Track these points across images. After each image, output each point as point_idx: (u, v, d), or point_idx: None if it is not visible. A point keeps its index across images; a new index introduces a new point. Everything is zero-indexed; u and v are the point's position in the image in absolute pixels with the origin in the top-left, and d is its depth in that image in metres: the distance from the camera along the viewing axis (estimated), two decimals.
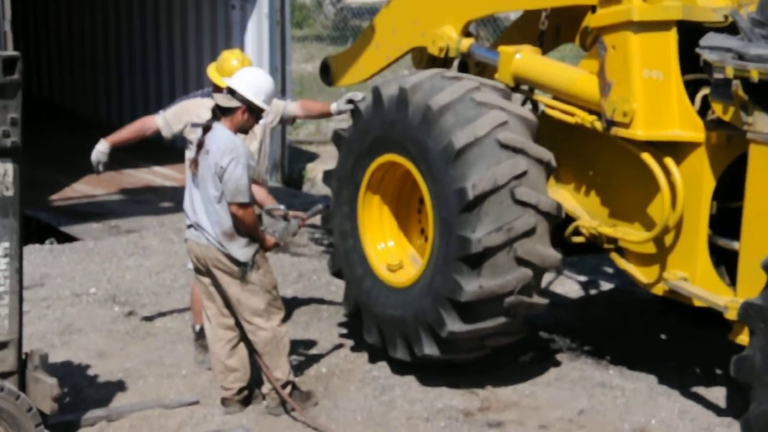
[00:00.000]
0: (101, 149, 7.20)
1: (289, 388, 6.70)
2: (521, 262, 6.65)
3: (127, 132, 7.33)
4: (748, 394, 5.75)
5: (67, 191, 12.35)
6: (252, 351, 6.72)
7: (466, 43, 7.77)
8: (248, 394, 6.82)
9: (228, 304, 6.64)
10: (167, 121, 7.22)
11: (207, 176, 6.42)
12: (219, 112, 6.50)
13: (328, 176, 7.67)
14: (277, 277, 8.96)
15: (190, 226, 6.61)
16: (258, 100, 6.48)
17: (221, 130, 6.45)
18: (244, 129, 6.55)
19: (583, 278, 9.18)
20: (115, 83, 16.15)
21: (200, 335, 7.38)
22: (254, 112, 6.52)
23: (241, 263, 6.47)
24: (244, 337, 6.71)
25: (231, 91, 6.49)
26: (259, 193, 6.85)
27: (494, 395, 7.00)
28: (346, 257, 7.46)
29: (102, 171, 7.24)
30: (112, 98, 16.29)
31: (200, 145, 6.48)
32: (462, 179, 6.59)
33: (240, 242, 6.46)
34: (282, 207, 6.81)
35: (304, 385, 6.98)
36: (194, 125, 7.11)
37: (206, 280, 6.66)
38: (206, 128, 6.50)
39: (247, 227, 6.44)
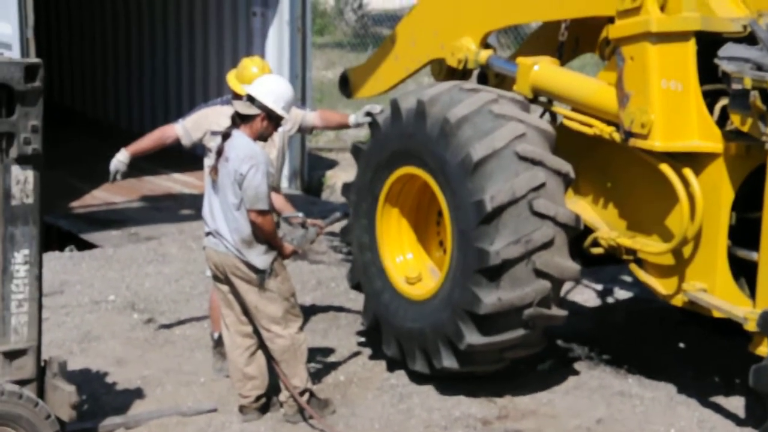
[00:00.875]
0: (121, 159, 7.22)
1: (306, 396, 6.72)
2: (540, 274, 6.64)
3: (147, 141, 7.34)
4: (766, 404, 5.73)
5: (87, 198, 12.37)
6: (270, 359, 6.73)
7: (485, 54, 7.78)
8: (266, 402, 6.83)
9: (246, 311, 6.64)
10: (187, 129, 7.23)
11: (226, 183, 6.44)
12: (239, 120, 6.52)
13: (346, 189, 7.68)
14: (296, 285, 8.96)
15: (208, 234, 6.63)
16: (277, 108, 6.49)
17: (241, 138, 6.46)
18: (263, 137, 6.56)
19: (601, 287, 9.16)
20: (136, 89, 16.20)
21: (219, 343, 7.40)
22: (273, 120, 6.53)
23: (260, 270, 6.48)
24: (262, 345, 6.72)
25: (250, 99, 6.51)
26: (278, 200, 6.88)
27: (512, 403, 7.00)
28: (365, 270, 7.47)
29: (119, 180, 7.25)
30: (133, 104, 16.34)
31: (220, 153, 6.49)
32: (480, 191, 6.59)
33: (258, 249, 6.47)
34: (300, 215, 6.84)
35: (322, 392, 7.00)
36: (214, 133, 7.11)
37: (224, 288, 6.68)
38: (226, 135, 6.51)
39: (265, 234, 6.45)
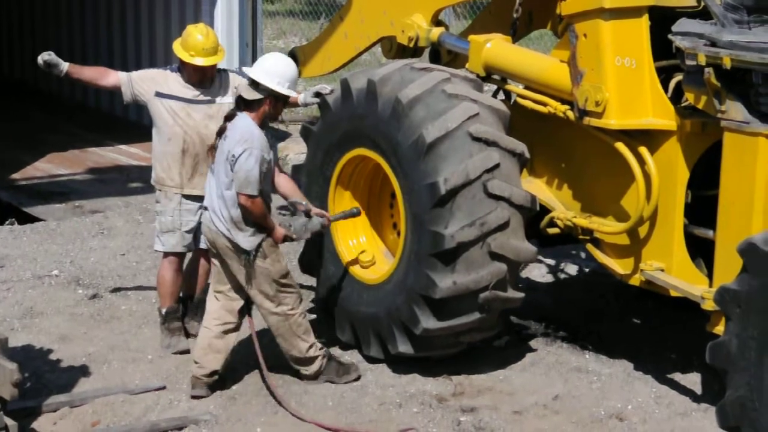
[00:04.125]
0: (59, 60, 7.18)
1: (322, 362, 6.80)
2: (495, 256, 6.58)
3: (88, 70, 7.41)
4: (724, 380, 5.74)
5: (30, 170, 12.13)
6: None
7: (437, 32, 7.69)
8: (217, 381, 6.80)
9: (238, 288, 6.68)
10: (131, 80, 7.24)
11: (220, 162, 6.50)
12: (242, 105, 6.53)
13: (296, 171, 7.58)
14: None
15: (205, 209, 6.70)
16: (282, 89, 6.49)
17: (243, 119, 6.49)
18: (273, 117, 6.60)
19: (558, 262, 9.13)
20: (79, 58, 15.84)
21: (166, 319, 7.40)
22: (281, 100, 6.55)
23: (246, 251, 6.52)
24: (236, 329, 6.77)
25: (254, 83, 6.49)
26: (287, 185, 6.81)
27: (468, 380, 6.96)
28: (318, 254, 7.39)
29: (42, 62, 7.18)
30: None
31: (221, 132, 6.54)
32: (433, 173, 6.51)
33: (247, 231, 6.52)
34: (305, 203, 6.78)
35: (285, 367, 6.97)
36: (159, 95, 7.16)
37: (217, 263, 6.73)
38: (229, 117, 6.56)
39: (255, 218, 6.49)
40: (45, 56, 7.16)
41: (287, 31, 19.28)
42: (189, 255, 7.56)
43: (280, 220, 6.75)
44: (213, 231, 6.60)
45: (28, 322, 7.83)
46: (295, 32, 19.03)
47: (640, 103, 6.53)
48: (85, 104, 15.41)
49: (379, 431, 6.37)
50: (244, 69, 6.75)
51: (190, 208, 7.28)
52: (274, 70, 6.49)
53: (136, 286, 8.51)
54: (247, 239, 6.52)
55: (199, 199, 7.23)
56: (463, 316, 6.67)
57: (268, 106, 6.51)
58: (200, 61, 7.09)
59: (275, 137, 6.78)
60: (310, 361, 6.79)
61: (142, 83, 7.23)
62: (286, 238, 6.66)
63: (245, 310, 6.79)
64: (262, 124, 6.54)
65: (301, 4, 21.13)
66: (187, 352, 7.31)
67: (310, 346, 6.78)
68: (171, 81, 7.20)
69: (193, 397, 6.73)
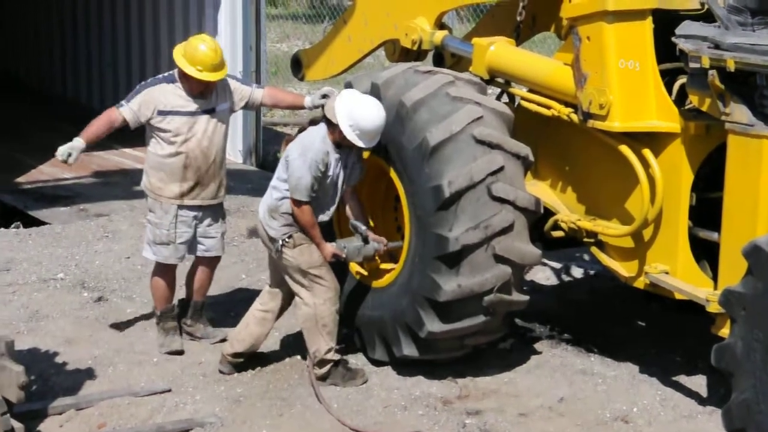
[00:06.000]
0: (78, 146, 7.09)
1: (328, 366, 6.84)
2: (500, 259, 6.57)
3: (97, 128, 7.20)
4: (729, 383, 5.73)
5: (34, 173, 12.18)
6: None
7: (440, 35, 7.67)
8: (242, 363, 7.04)
9: (280, 280, 6.90)
10: (133, 111, 7.13)
11: (284, 156, 6.73)
12: (324, 121, 6.65)
13: None
14: (252, 263, 8.95)
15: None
16: (358, 143, 6.59)
17: (318, 130, 6.66)
18: (340, 146, 6.64)
19: (563, 264, 9.12)
20: (84, 58, 15.88)
21: (161, 318, 7.45)
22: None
23: (274, 239, 6.70)
24: (276, 317, 7.02)
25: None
26: (354, 207, 6.95)
27: (473, 383, 6.95)
28: None
29: (71, 163, 7.16)
30: (80, 74, 15.97)
31: (300, 131, 6.87)
32: (438, 177, 6.50)
33: (279, 221, 6.70)
34: (364, 228, 6.86)
35: (293, 368, 7.08)
36: (161, 113, 7.10)
37: (268, 251, 6.96)
38: (313, 122, 6.88)
39: (302, 225, 6.67)
40: (63, 156, 7.09)
41: (290, 35, 19.32)
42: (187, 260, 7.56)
43: (339, 241, 6.88)
44: (257, 218, 6.89)
45: (34, 325, 7.84)
46: (298, 36, 19.06)
47: (644, 105, 6.52)
48: (90, 107, 15.43)
49: None
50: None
51: (185, 219, 7.26)
52: (359, 123, 6.53)
53: (140, 290, 8.50)
54: (277, 229, 6.68)
55: (196, 208, 7.24)
56: (467, 319, 6.66)
57: (338, 136, 6.58)
58: (209, 77, 7.03)
59: (359, 161, 6.84)
60: (323, 363, 6.84)
61: (146, 111, 7.11)
62: (335, 256, 6.77)
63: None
64: (338, 144, 6.63)
65: (305, 7, 21.20)
66: (180, 352, 7.34)
67: (329, 350, 6.82)
68: (170, 95, 7.09)
69: (220, 371, 7.01)
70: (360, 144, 6.60)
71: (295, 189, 6.56)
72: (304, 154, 6.54)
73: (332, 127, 6.60)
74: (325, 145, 6.59)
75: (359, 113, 6.55)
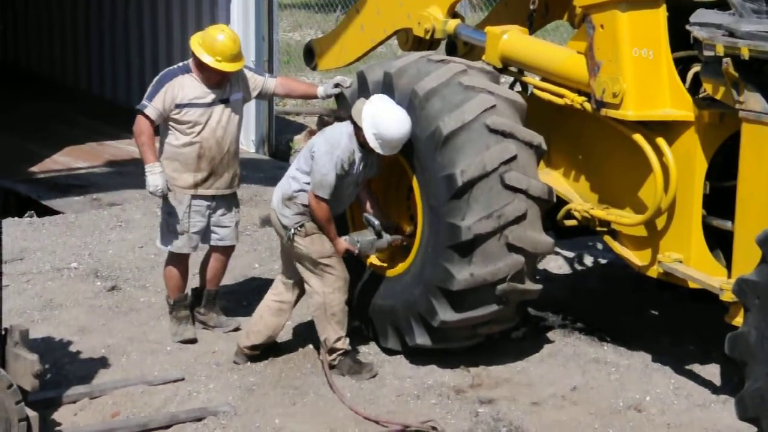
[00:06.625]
0: (158, 170, 7.08)
1: (337, 355, 6.83)
2: (512, 248, 6.57)
3: (148, 145, 7.12)
4: (743, 372, 5.71)
5: (48, 163, 12.16)
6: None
7: (453, 24, 7.66)
8: (257, 356, 7.02)
9: (293, 270, 6.90)
10: (158, 111, 7.09)
11: (307, 149, 6.73)
12: (351, 121, 6.69)
13: None
14: (265, 253, 8.93)
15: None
16: (378, 150, 6.64)
17: (346, 128, 6.68)
18: (363, 147, 6.68)
19: (576, 253, 9.10)
20: (97, 51, 15.85)
21: (174, 307, 7.46)
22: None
23: (286, 227, 6.72)
24: (290, 307, 7.03)
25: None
26: (370, 203, 6.99)
27: (486, 372, 6.96)
28: None
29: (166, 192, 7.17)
30: (92, 66, 15.93)
31: (323, 125, 6.88)
32: (450, 166, 6.50)
33: (292, 209, 6.72)
34: (378, 222, 6.89)
35: (306, 358, 7.09)
36: (179, 106, 7.08)
37: (280, 240, 6.98)
38: (339, 118, 6.86)
39: (318, 220, 6.68)
40: (159, 191, 7.10)
41: (303, 24, 19.28)
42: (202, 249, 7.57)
43: (352, 235, 6.89)
44: (271, 207, 6.90)
45: (48, 314, 7.86)
46: (310, 25, 19.01)
47: (658, 94, 6.50)
48: (102, 97, 15.46)
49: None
50: None
51: (199, 208, 7.26)
52: (383, 133, 6.57)
53: (154, 279, 8.50)
54: (290, 217, 6.70)
55: (210, 198, 7.24)
56: (480, 308, 6.66)
57: (363, 139, 6.62)
58: (228, 67, 7.03)
59: (378, 159, 6.85)
60: (333, 351, 6.85)
61: (168, 107, 7.08)
62: (348, 251, 6.79)
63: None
64: (361, 144, 6.65)
65: None
66: (193, 341, 7.35)
67: (338, 339, 6.83)
68: (186, 87, 7.08)
69: (235, 362, 7.00)
70: (380, 151, 6.64)
71: (319, 185, 6.57)
72: (331, 152, 6.55)
73: (358, 128, 6.63)
74: (351, 144, 6.63)
75: (384, 123, 6.57)
